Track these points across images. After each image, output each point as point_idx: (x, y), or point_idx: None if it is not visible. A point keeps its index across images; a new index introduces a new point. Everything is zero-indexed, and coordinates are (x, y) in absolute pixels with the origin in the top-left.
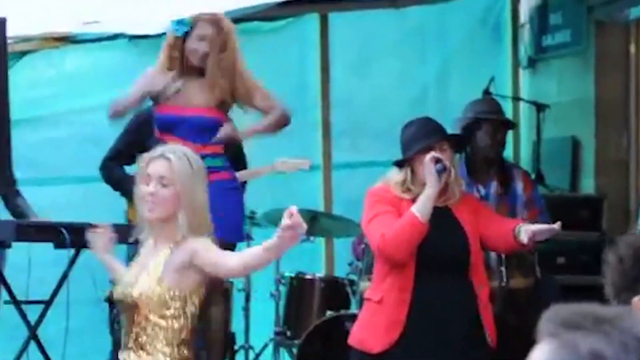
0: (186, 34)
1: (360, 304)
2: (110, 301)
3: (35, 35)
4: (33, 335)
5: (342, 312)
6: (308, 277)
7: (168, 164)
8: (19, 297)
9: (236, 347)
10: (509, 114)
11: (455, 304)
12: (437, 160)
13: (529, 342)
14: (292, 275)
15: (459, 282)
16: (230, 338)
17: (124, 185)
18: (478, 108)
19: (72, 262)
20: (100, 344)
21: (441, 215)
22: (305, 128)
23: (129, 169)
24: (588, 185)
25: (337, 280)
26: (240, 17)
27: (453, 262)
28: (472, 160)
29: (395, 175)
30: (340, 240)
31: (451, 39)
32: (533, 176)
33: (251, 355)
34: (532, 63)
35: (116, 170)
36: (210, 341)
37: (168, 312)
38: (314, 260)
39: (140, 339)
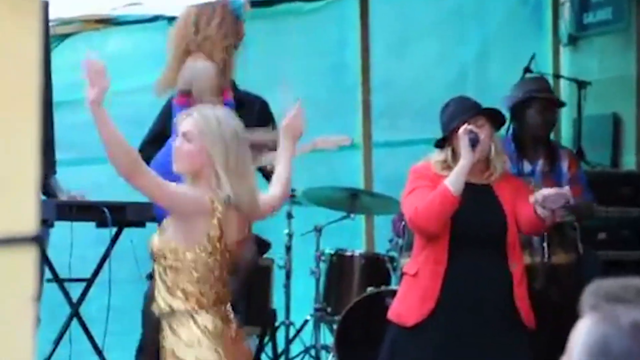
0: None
1: (400, 281)
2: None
3: (76, 18)
4: (75, 313)
5: (383, 288)
6: (348, 253)
7: (193, 120)
8: (62, 276)
9: (277, 324)
10: None
11: (488, 281)
12: (471, 133)
13: (572, 318)
14: (332, 252)
15: (494, 259)
16: (271, 315)
17: None
18: (529, 87)
19: (114, 240)
20: None
21: (481, 192)
22: (346, 108)
23: None
24: (629, 162)
25: (378, 256)
26: None
27: (489, 239)
28: (521, 138)
29: (437, 155)
30: (380, 217)
31: (491, 18)
32: (574, 152)
33: (292, 331)
34: (572, 40)
35: (153, 153)
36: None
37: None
38: (354, 238)
39: None
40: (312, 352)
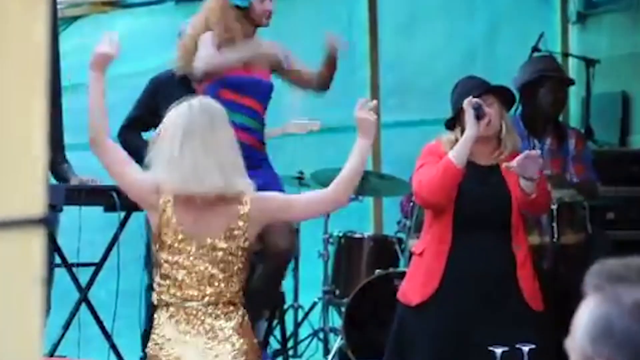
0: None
1: (408, 262)
2: None
3: (84, 0)
4: (84, 298)
5: (391, 270)
6: (357, 236)
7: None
8: (70, 260)
9: (285, 306)
10: None
11: (491, 261)
12: (475, 104)
13: (580, 298)
14: (341, 234)
15: (497, 240)
16: (279, 297)
17: (141, 153)
18: (540, 66)
19: (123, 224)
20: None
21: (489, 173)
22: (354, 88)
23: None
24: (638, 141)
25: (386, 238)
26: None
27: (493, 219)
28: (530, 117)
29: (449, 134)
30: (389, 199)
31: None
32: (582, 131)
33: (300, 313)
34: (581, 18)
35: (133, 137)
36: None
37: None
38: (363, 220)
39: None
40: (321, 334)
